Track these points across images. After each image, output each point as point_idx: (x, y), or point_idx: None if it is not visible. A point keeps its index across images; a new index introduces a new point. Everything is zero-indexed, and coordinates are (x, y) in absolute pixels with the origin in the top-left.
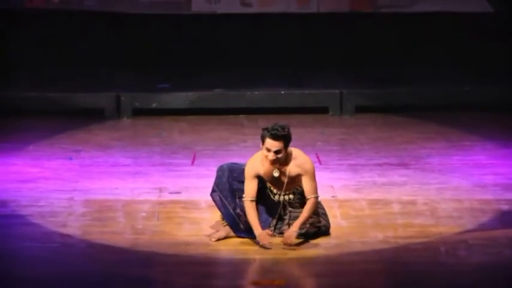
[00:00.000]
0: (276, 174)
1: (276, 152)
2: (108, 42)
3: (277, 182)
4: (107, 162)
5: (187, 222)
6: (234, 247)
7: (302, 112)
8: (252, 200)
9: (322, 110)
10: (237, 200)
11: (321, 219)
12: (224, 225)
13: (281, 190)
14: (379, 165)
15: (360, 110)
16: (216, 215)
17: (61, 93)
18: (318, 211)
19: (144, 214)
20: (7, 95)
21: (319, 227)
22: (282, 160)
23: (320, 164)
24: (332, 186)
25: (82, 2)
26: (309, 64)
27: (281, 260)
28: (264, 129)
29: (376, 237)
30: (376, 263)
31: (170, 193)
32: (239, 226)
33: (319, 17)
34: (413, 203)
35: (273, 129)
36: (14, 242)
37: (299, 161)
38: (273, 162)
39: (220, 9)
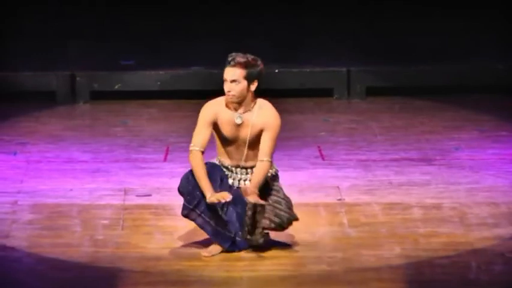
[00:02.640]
0: (238, 121)
1: (232, 82)
2: (61, 8)
3: (236, 139)
4: (59, 158)
5: (158, 231)
6: (217, 262)
7: (301, 95)
8: (201, 151)
9: (326, 93)
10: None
11: (278, 212)
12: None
13: (241, 157)
14: (396, 160)
15: (372, 92)
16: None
17: (1, 72)
18: (272, 197)
19: (105, 222)
20: None
21: (274, 221)
22: (240, 97)
23: (323, 159)
24: (338, 187)
25: None
26: (309, 36)
27: (274, 278)
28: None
29: (393, 250)
30: (393, 282)
31: (138, 196)
32: (231, 238)
33: None
34: (438, 207)
35: (231, 55)
36: None
37: (266, 112)
38: (229, 98)
39: None
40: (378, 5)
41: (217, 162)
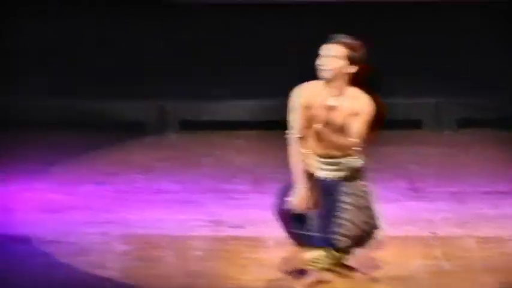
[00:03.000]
0: (331, 102)
1: (330, 58)
2: (150, 39)
3: (327, 125)
4: (148, 188)
5: (253, 263)
6: None
7: (390, 127)
8: (300, 137)
9: (416, 124)
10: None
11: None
12: (312, 266)
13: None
14: (490, 193)
15: (464, 124)
16: (289, 253)
17: (91, 103)
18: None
19: (199, 253)
20: (25, 103)
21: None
22: (334, 75)
23: (415, 192)
24: (431, 220)
25: None
26: (398, 66)
27: None
28: None
29: (489, 285)
30: None
31: (230, 227)
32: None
33: (409, 6)
34: None
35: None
36: None
37: (360, 97)
38: (321, 73)
39: None
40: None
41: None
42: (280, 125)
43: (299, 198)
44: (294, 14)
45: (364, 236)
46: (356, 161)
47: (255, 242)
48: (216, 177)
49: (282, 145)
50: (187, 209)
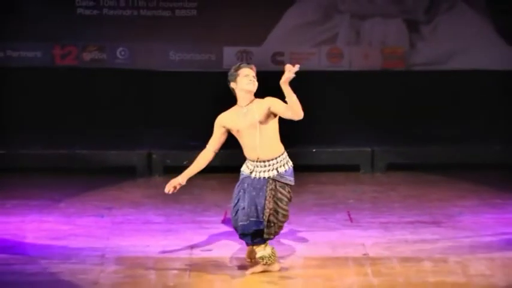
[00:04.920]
0: (244, 110)
1: (253, 77)
2: (139, 100)
3: (249, 127)
4: (138, 220)
5: (219, 280)
6: None
7: (334, 170)
8: (213, 151)
9: (354, 168)
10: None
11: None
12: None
13: (256, 147)
14: (411, 223)
15: (392, 168)
16: (248, 270)
17: (92, 151)
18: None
19: (175, 272)
20: (38, 153)
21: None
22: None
23: (352, 221)
24: (364, 244)
25: (114, 59)
26: (340, 122)
27: None
28: (234, 68)
29: None
30: None
31: (201, 250)
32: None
33: (350, 75)
34: (445, 261)
35: (241, 62)
36: None
37: (259, 100)
38: (254, 87)
39: None
40: (395, 101)
41: (244, 167)
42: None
43: (170, 182)
44: None
45: (282, 227)
46: (284, 162)
47: (220, 262)
48: (192, 211)
49: None
50: (168, 236)
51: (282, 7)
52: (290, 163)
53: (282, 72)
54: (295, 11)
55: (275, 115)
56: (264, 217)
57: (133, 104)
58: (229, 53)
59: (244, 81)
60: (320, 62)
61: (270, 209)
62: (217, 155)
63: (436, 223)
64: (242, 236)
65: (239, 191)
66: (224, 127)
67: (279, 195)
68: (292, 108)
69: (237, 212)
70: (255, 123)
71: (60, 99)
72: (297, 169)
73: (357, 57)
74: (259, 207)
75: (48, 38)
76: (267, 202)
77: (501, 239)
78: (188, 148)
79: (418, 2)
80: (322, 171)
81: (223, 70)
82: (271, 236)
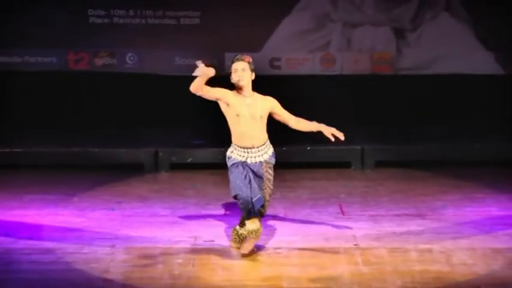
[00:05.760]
0: (248, 100)
1: (243, 70)
2: (147, 102)
3: (249, 117)
4: (146, 213)
5: (220, 268)
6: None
7: (327, 167)
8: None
9: (346, 165)
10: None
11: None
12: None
13: (253, 135)
14: (398, 215)
15: (380, 164)
16: (247, 258)
17: (103, 149)
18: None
19: (180, 261)
20: (53, 151)
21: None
22: (246, 80)
23: (343, 214)
24: (354, 235)
25: (123, 64)
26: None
27: None
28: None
29: (395, 283)
30: None
31: (204, 241)
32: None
33: (342, 79)
34: (430, 251)
35: (236, 56)
36: (59, 287)
37: (266, 98)
38: (240, 80)
39: None
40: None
41: (233, 150)
42: None
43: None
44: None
45: (267, 205)
46: (269, 146)
47: (222, 252)
48: (196, 204)
49: None
50: (174, 228)
51: (279, 16)
52: (271, 146)
53: (278, 76)
54: (292, 19)
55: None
56: (265, 195)
57: (141, 106)
58: (230, 58)
59: (233, 76)
60: (314, 66)
61: (266, 188)
62: (219, 152)
63: (421, 216)
64: (257, 209)
65: (244, 172)
66: (227, 100)
67: (268, 175)
68: (301, 126)
69: (250, 188)
70: (256, 116)
71: (73, 101)
72: (293, 166)
73: (348, 62)
74: (258, 188)
75: (62, 45)
76: (266, 182)
77: (482, 230)
78: (192, 146)
79: (404, 12)
80: (316, 167)
81: (224, 74)
82: (263, 213)
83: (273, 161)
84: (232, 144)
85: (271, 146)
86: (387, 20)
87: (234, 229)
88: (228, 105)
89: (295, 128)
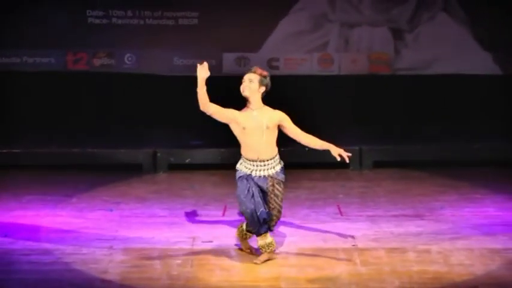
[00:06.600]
0: (254, 113)
1: (250, 81)
2: (145, 103)
3: (256, 130)
4: (144, 213)
5: (219, 268)
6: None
7: (325, 167)
8: (212, 105)
9: (343, 165)
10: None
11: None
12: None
13: (259, 148)
14: (396, 216)
15: (378, 165)
16: (246, 259)
17: (102, 149)
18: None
19: (178, 261)
20: (52, 151)
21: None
22: (251, 92)
23: (341, 215)
24: (353, 236)
25: (122, 64)
26: (330, 122)
27: None
28: None
29: (393, 284)
30: None
31: (203, 242)
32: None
33: (340, 79)
34: (427, 251)
35: (253, 67)
36: None
37: (275, 111)
38: (243, 91)
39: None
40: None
41: (241, 162)
42: None
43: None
44: None
45: (277, 220)
46: (278, 161)
47: (220, 252)
48: (195, 205)
49: None
50: (172, 229)
51: (277, 17)
52: (282, 162)
53: (277, 76)
54: (290, 20)
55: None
56: (272, 211)
57: (139, 106)
58: (228, 58)
59: (241, 86)
60: (312, 67)
61: (272, 204)
62: (218, 153)
63: (419, 216)
64: (263, 222)
65: (248, 185)
66: (234, 117)
67: (276, 191)
68: (310, 142)
69: (254, 202)
70: (262, 128)
71: (72, 101)
72: (291, 166)
73: (345, 62)
74: (263, 201)
75: (61, 45)
76: (269, 197)
77: (479, 231)
78: (190, 147)
79: (402, 12)
80: (314, 168)
81: (223, 75)
82: (272, 228)
83: (281, 177)
84: (242, 157)
85: (281, 162)
86: (385, 21)
87: (241, 225)
88: (236, 122)
89: (303, 143)
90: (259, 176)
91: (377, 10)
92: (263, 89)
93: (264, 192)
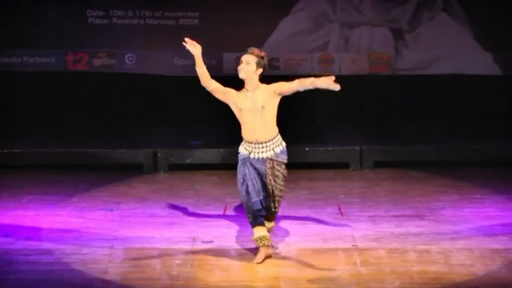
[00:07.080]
0: (250, 94)
1: (247, 63)
2: (146, 103)
3: (252, 110)
4: (144, 213)
5: (219, 269)
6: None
7: (325, 167)
8: (213, 81)
9: (344, 165)
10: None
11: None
12: (260, 243)
13: (256, 128)
14: (396, 216)
15: (378, 165)
16: (246, 259)
17: (102, 150)
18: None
19: (178, 261)
20: (52, 151)
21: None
22: (248, 74)
23: (342, 215)
24: (353, 236)
25: (122, 65)
26: (330, 122)
27: None
28: None
29: (394, 284)
30: None
31: (203, 242)
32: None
33: (340, 79)
34: (428, 251)
35: (249, 48)
36: None
37: (265, 85)
38: (239, 72)
39: None
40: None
41: (242, 144)
42: None
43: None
44: None
45: (280, 201)
46: (279, 142)
47: (220, 252)
48: (194, 205)
49: None
50: (172, 229)
51: (277, 17)
52: (283, 143)
53: (277, 76)
54: (290, 20)
55: (278, 99)
56: (269, 192)
57: (140, 106)
58: (228, 58)
59: (238, 67)
60: (312, 67)
61: (272, 186)
62: (217, 153)
63: (420, 216)
64: (256, 212)
65: (244, 172)
66: (232, 98)
67: (276, 172)
68: (303, 86)
69: (247, 191)
70: (256, 108)
71: (72, 101)
72: (292, 166)
73: (346, 62)
74: (262, 185)
75: (61, 45)
76: (268, 180)
77: (480, 231)
78: (191, 147)
79: (402, 12)
80: (315, 168)
81: (223, 74)
82: (277, 209)
83: (282, 158)
84: (243, 139)
85: (282, 143)
86: (385, 21)
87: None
88: (234, 103)
89: (302, 89)
90: (258, 158)
91: (377, 10)
92: (260, 70)
93: (260, 177)
